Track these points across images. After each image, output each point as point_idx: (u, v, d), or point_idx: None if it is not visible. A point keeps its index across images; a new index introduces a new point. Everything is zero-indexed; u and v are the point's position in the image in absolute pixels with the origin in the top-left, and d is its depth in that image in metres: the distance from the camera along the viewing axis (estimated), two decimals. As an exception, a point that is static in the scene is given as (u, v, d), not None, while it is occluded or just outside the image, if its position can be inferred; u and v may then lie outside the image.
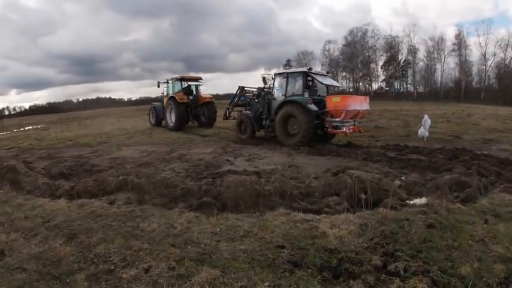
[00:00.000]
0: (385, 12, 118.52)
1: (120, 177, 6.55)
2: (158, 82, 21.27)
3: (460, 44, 59.74)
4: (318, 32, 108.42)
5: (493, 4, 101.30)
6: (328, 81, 13.33)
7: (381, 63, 67.29)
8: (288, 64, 70.83)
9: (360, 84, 70.44)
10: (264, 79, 13.68)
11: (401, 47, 64.53)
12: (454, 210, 4.61)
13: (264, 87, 13.81)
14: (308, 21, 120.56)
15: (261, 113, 13.72)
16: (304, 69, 12.96)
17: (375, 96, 62.78)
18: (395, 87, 67.30)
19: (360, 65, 68.01)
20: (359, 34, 67.06)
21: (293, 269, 3.27)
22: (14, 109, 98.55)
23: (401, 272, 3.15)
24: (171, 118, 19.34)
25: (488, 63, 57.88)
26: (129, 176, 6.59)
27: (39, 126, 32.10)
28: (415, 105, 39.23)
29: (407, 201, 5.36)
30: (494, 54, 57.06)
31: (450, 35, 65.36)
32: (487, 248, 3.56)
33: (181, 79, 20.26)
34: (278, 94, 13.12)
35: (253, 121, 13.82)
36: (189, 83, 20.36)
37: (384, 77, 68.22)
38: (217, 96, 38.49)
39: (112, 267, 3.44)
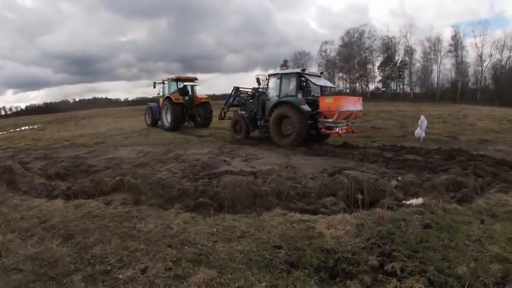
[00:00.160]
0: (382, 13, 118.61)
1: (117, 178, 6.54)
2: (154, 82, 21.36)
3: (457, 45, 59.83)
4: (315, 32, 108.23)
5: (489, 5, 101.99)
6: (322, 82, 13.41)
7: (377, 64, 67.29)
8: (284, 65, 70.69)
9: (357, 85, 70.40)
10: (258, 80, 13.75)
11: (398, 48, 64.51)
12: (451, 211, 4.64)
13: (258, 88, 13.88)
14: (305, 21, 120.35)
15: (255, 113, 13.81)
16: (298, 70, 13.04)
17: (372, 96, 63.02)
18: (392, 88, 67.32)
19: (356, 66, 67.95)
20: (356, 35, 67.00)
21: (290, 270, 3.27)
22: (11, 109, 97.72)
23: (398, 272, 3.16)
24: (167, 118, 19.36)
25: (485, 64, 57.98)
26: (125, 177, 6.58)
27: (36, 127, 31.95)
28: (411, 106, 39.32)
29: (403, 202, 5.39)
30: (491, 55, 57.15)
31: (447, 36, 65.21)
32: (483, 248, 3.58)
33: (177, 79, 20.28)
34: (272, 95, 13.18)
35: (247, 121, 13.90)
36: (185, 83, 20.39)
37: (380, 78, 68.25)
38: (214, 97, 38.42)
39: (109, 268, 3.43)
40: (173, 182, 6.79)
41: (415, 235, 3.87)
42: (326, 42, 71.07)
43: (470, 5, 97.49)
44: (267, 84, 13.51)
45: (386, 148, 10.99)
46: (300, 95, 12.20)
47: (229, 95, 16.02)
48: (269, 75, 13.69)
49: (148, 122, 22.02)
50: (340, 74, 71.00)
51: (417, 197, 5.55)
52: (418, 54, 63.35)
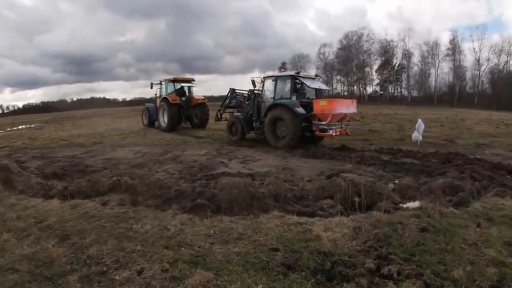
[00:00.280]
0: (380, 17, 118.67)
1: (114, 178, 6.52)
2: (151, 83, 21.42)
3: (454, 49, 60.20)
4: (313, 35, 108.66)
5: (487, 9, 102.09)
6: (316, 84, 13.54)
7: (375, 67, 67.61)
8: (283, 67, 70.92)
9: (355, 87, 70.68)
10: (253, 82, 13.87)
11: (396, 51, 64.88)
12: (447, 214, 4.65)
13: (254, 90, 13.99)
14: (304, 24, 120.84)
15: (251, 115, 13.92)
16: (292, 72, 13.18)
17: (370, 100, 63.22)
18: (390, 91, 67.61)
19: (354, 69, 68.21)
20: (354, 38, 67.33)
21: (287, 272, 3.27)
22: (8, 108, 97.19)
23: (395, 275, 3.17)
24: (164, 119, 19.46)
25: (482, 68, 58.39)
26: (122, 177, 6.56)
27: (33, 126, 31.82)
28: (409, 109, 39.49)
29: (400, 205, 5.40)
30: (488, 60, 57.59)
31: (445, 40, 65.83)
32: (479, 252, 3.59)
33: (174, 80, 20.32)
34: (267, 97, 13.30)
35: (243, 123, 13.99)
36: (182, 84, 20.45)
37: (378, 81, 68.54)
38: (212, 98, 38.50)
39: (105, 269, 3.42)
40: (170, 183, 6.78)
41: (411, 238, 3.88)
42: (324, 45, 71.59)
43: (468, 8, 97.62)
44: (262, 87, 13.64)
45: (384, 151, 10.99)
46: (294, 98, 12.31)
47: (226, 97, 16.13)
48: (264, 78, 13.78)
49: (145, 123, 22.07)
50: (338, 77, 71.47)
51: (414, 201, 5.56)
52: (416, 58, 63.90)
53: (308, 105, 12.04)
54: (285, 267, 3.35)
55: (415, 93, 65.44)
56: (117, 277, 3.25)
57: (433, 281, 3.04)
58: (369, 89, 70.23)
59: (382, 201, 5.03)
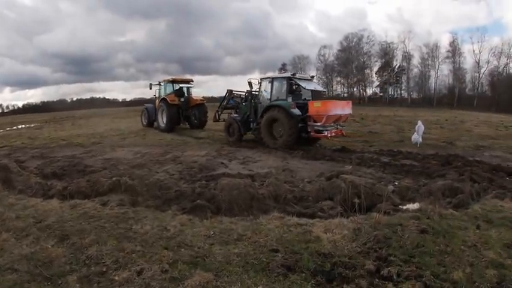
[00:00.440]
0: (380, 19, 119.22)
1: (114, 179, 6.52)
2: (150, 84, 21.56)
3: (454, 51, 60.29)
4: (313, 36, 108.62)
5: (487, 12, 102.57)
6: (312, 86, 13.74)
7: (375, 69, 67.70)
8: (283, 68, 70.90)
9: (355, 89, 70.76)
10: (250, 83, 13.98)
11: (396, 53, 65.00)
12: (447, 216, 4.64)
13: (251, 91, 14.11)
14: (304, 25, 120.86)
15: (248, 116, 14.09)
16: (288, 74, 13.42)
17: (369, 101, 63.26)
18: (390, 93, 67.74)
19: (354, 71, 68.25)
20: (354, 40, 67.39)
21: (287, 273, 3.27)
22: (7, 107, 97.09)
23: (394, 277, 3.17)
24: (163, 119, 19.56)
25: (482, 70, 58.50)
26: (122, 178, 6.55)
27: (33, 125, 31.80)
28: (409, 111, 39.48)
29: (400, 207, 5.39)
30: (488, 62, 57.69)
31: (444, 42, 65.95)
32: (479, 254, 3.59)
33: (173, 81, 20.45)
34: (264, 98, 13.50)
35: (239, 124, 14.13)
36: (181, 85, 20.58)
37: (378, 83, 68.65)
38: (212, 99, 38.47)
39: (104, 269, 3.42)
40: (170, 183, 6.78)
41: (411, 240, 3.88)
42: (325, 47, 71.57)
43: (468, 11, 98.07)
44: (259, 88, 13.81)
45: (384, 153, 11.01)
46: (290, 99, 12.52)
47: (223, 98, 16.37)
48: (261, 79, 13.94)
49: (144, 123, 22.17)
50: (338, 79, 71.44)
51: (414, 202, 5.55)
52: (416, 60, 64.02)
53: (304, 107, 12.19)
54: (285, 268, 3.35)
55: (414, 95, 65.63)
56: (116, 278, 3.25)
57: (432, 283, 3.04)
58: (369, 91, 70.48)
59: (382, 203, 5.03)
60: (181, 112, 19.75)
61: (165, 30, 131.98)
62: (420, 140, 12.53)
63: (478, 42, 58.09)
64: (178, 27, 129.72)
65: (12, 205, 5.59)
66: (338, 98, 57.63)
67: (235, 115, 14.86)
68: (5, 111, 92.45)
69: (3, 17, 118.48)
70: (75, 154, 11.79)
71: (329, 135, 11.87)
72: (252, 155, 11.01)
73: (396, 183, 7.07)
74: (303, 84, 12.85)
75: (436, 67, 61.94)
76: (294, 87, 13.01)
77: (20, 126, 31.25)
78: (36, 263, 3.57)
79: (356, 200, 5.09)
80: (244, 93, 14.88)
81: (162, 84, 21.01)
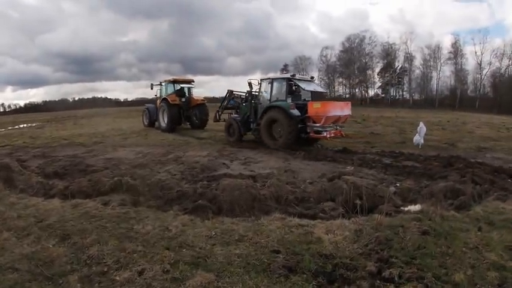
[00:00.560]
0: (382, 19, 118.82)
1: (115, 178, 6.54)
2: (151, 84, 21.65)
3: (456, 52, 60.14)
4: (315, 37, 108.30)
5: (489, 13, 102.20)
6: (312, 87, 13.78)
7: (377, 70, 67.52)
8: (285, 69, 70.74)
9: (356, 90, 70.63)
10: (250, 84, 14.07)
11: (398, 54, 64.82)
12: (448, 218, 4.64)
13: (251, 92, 14.19)
14: (306, 26, 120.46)
15: (248, 116, 14.17)
16: (288, 75, 13.48)
17: (371, 102, 63.23)
18: (392, 94, 67.58)
19: (356, 71, 68.12)
20: (356, 40, 67.23)
21: (288, 274, 3.27)
22: (9, 106, 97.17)
23: (396, 279, 3.16)
24: (164, 119, 19.62)
25: (484, 72, 58.31)
26: (124, 177, 6.57)
27: (34, 125, 31.84)
28: (410, 112, 39.44)
29: (402, 208, 5.40)
30: (490, 63, 57.50)
31: (446, 43, 65.62)
32: (480, 256, 3.58)
33: (174, 81, 20.52)
34: (264, 99, 13.58)
35: (239, 124, 14.21)
36: (182, 85, 20.66)
37: (380, 84, 68.48)
38: (214, 99, 38.46)
39: (105, 269, 3.42)
40: (172, 183, 6.78)
41: (412, 242, 3.87)
42: (326, 47, 71.41)
43: (470, 12, 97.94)
44: (259, 89, 13.89)
45: (385, 154, 10.99)
46: (289, 100, 12.63)
47: (224, 98, 16.44)
48: (261, 80, 14.01)
49: (146, 123, 22.25)
50: (340, 79, 71.30)
51: (415, 204, 5.55)
52: (417, 61, 63.85)
53: (303, 107, 12.26)
54: (286, 269, 3.35)
55: (416, 96, 65.44)
56: (117, 278, 3.25)
57: (434, 285, 3.04)
58: (371, 92, 70.25)
59: (383, 204, 5.03)
60: (182, 112, 19.82)
61: (167, 31, 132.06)
62: (422, 141, 12.51)
63: (480, 43, 57.96)
64: (181, 27, 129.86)
65: (14, 204, 5.61)
66: (339, 99, 57.58)
67: (236, 115, 14.95)
68: (7, 110, 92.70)
69: (6, 16, 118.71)
70: (77, 154, 11.80)
71: (328, 135, 11.97)
72: (253, 156, 11.01)
73: (398, 184, 7.06)
74: (302, 85, 12.92)
75: (438, 68, 61.86)
76: (293, 88, 13.12)
77: (21, 126, 31.29)
78: (37, 262, 3.58)
79: (358, 201, 5.08)
80: (244, 94, 14.95)
81: (163, 84, 21.12)
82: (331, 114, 11.75)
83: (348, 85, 71.26)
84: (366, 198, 5.21)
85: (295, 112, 11.99)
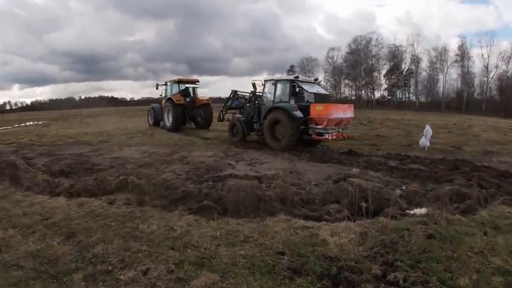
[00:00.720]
0: (389, 21, 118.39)
1: (121, 177, 6.56)
2: (157, 84, 21.90)
3: (463, 55, 59.92)
4: (321, 38, 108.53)
5: (496, 16, 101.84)
6: (315, 89, 13.91)
7: (383, 72, 67.44)
8: (291, 70, 70.82)
9: (363, 92, 70.52)
10: (253, 85, 14.20)
11: (404, 56, 64.70)
12: (454, 221, 4.61)
13: (255, 92, 14.29)
14: (312, 27, 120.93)
15: (252, 117, 14.25)
16: (291, 77, 13.54)
17: (377, 104, 63.04)
18: (398, 96, 67.39)
19: (363, 73, 68.01)
20: (363, 42, 67.18)
21: (293, 276, 3.26)
22: (16, 104, 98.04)
23: (401, 282, 3.15)
24: (169, 119, 19.76)
25: (491, 75, 58.07)
26: (129, 177, 6.59)
27: (40, 123, 32.09)
28: (416, 114, 39.29)
29: (407, 211, 5.37)
30: (497, 66, 57.25)
31: (453, 46, 65.11)
32: (486, 260, 3.56)
33: (179, 81, 20.67)
34: (267, 100, 13.62)
35: (243, 125, 14.30)
36: (187, 85, 20.76)
37: (386, 86, 68.33)
38: (219, 100, 38.45)
39: (110, 268, 3.43)
40: (177, 183, 6.78)
41: (418, 245, 3.85)
42: (333, 49, 71.38)
43: (477, 15, 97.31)
44: (263, 90, 13.97)
45: (391, 157, 10.95)
46: (292, 101, 12.68)
47: (228, 98, 16.51)
48: (265, 81, 14.08)
49: (151, 123, 22.41)
50: (347, 81, 71.24)
51: (421, 207, 5.52)
52: (424, 64, 63.76)
53: (306, 109, 12.31)
54: (291, 271, 3.34)
55: (423, 99, 65.34)
56: (122, 277, 3.26)
57: (439, 289, 3.02)
58: (377, 94, 70.16)
59: (389, 207, 5.00)
60: (187, 112, 19.96)
61: (174, 31, 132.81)
62: (428, 144, 12.44)
63: (487, 46, 57.77)
64: (187, 27, 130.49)
65: (19, 202, 5.64)
66: (344, 101, 57.45)
67: (239, 115, 15.02)
68: (14, 108, 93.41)
69: (13, 15, 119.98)
70: (83, 152, 11.88)
71: (330, 138, 12.00)
72: (259, 157, 11.01)
73: (403, 187, 7.02)
74: (305, 87, 13.03)
75: (445, 71, 61.71)
76: (296, 89, 13.20)
77: (28, 124, 31.56)
78: (42, 260, 3.59)
79: (363, 204, 5.07)
80: (248, 94, 15.00)
81: (168, 84, 21.28)
82: (334, 116, 11.83)
83: (354, 87, 71.26)
84: (371, 200, 5.18)
85: (298, 114, 12.04)
